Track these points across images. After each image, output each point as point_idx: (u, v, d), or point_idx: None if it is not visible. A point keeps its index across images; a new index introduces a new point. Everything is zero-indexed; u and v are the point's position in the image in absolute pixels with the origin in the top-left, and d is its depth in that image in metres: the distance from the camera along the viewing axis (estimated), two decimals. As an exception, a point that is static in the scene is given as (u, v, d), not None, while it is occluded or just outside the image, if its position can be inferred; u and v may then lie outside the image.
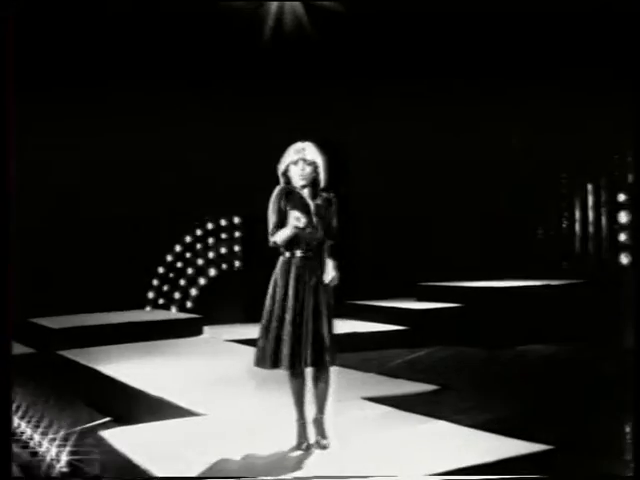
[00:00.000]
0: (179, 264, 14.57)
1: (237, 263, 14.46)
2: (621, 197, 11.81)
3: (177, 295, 14.44)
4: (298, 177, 5.35)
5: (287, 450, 5.38)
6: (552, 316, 11.90)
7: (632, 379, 6.43)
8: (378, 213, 14.06)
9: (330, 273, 5.33)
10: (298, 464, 5.15)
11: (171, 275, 14.53)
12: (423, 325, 11.92)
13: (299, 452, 5.34)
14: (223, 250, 14.50)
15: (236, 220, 14.46)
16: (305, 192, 5.38)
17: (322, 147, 5.41)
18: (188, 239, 14.62)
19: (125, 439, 5.81)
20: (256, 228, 13.86)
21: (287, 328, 5.22)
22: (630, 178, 13.08)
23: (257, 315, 11.93)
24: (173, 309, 14.21)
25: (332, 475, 4.90)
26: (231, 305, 13.50)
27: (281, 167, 5.42)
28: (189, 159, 13.23)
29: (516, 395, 8.06)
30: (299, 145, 5.39)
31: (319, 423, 5.40)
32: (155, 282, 14.46)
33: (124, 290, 13.20)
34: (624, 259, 11.36)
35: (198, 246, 14.63)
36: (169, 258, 14.56)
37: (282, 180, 5.42)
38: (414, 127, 13.61)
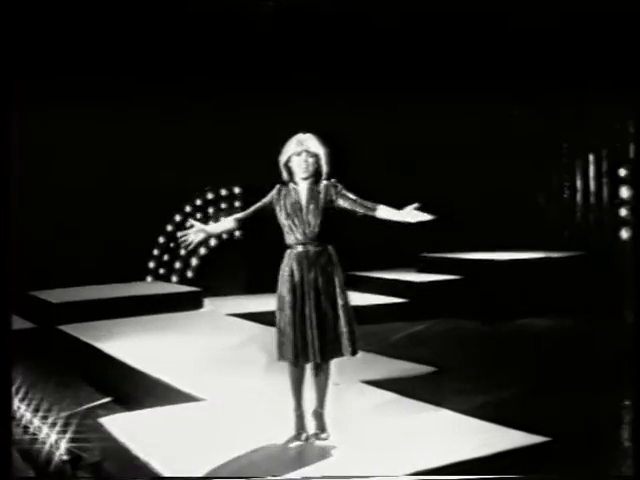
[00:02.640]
0: (179, 234, 14.50)
1: (237, 233, 14.43)
2: (622, 172, 11.73)
3: (178, 265, 14.44)
4: (300, 169, 5.30)
5: (285, 441, 5.37)
6: (553, 289, 11.91)
7: (632, 366, 6.44)
8: (377, 184, 13.99)
9: (410, 213, 5.22)
10: (296, 457, 5.16)
11: (171, 245, 14.50)
12: (423, 298, 11.93)
13: (298, 443, 5.34)
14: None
15: (236, 190, 14.43)
16: (306, 185, 5.33)
17: (324, 139, 5.36)
18: (188, 209, 14.58)
19: (124, 426, 5.80)
20: (256, 198, 13.81)
21: (288, 322, 5.22)
22: (631, 150, 13.04)
23: (257, 287, 11.98)
24: (174, 279, 14.24)
25: (332, 475, 4.91)
26: (232, 276, 13.50)
27: (283, 158, 5.36)
28: (190, 132, 13.20)
29: (515, 374, 8.08)
30: (301, 136, 5.34)
31: (318, 417, 5.40)
32: (156, 252, 14.45)
33: (125, 260, 13.19)
34: (624, 234, 11.32)
35: (198, 216, 14.57)
36: (169, 228, 14.53)
37: (284, 172, 5.37)
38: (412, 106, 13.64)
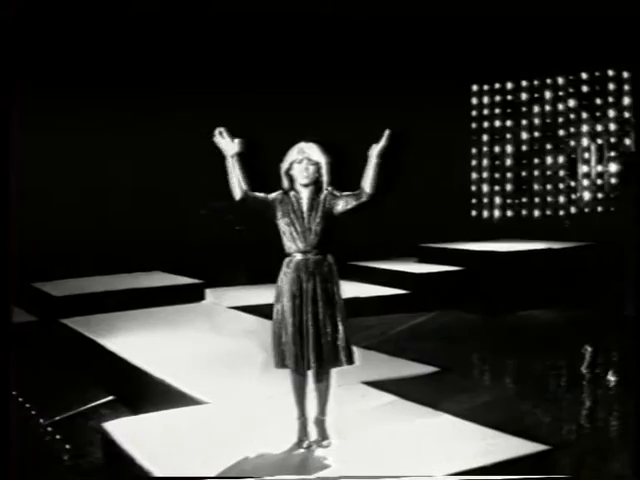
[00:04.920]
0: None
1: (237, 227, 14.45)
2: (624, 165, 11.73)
3: (180, 254, 14.41)
4: (302, 175, 5.32)
5: (288, 448, 5.39)
6: (554, 280, 11.93)
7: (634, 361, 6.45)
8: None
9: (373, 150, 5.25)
10: (297, 465, 5.18)
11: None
12: (424, 289, 11.93)
13: (300, 450, 5.37)
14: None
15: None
16: (307, 193, 5.34)
17: (325, 148, 5.37)
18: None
19: (126, 431, 5.80)
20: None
21: (289, 330, 5.24)
22: (631, 137, 13.06)
23: (258, 277, 11.97)
24: (176, 268, 14.22)
25: (333, 475, 4.94)
26: (232, 266, 13.50)
27: (284, 165, 5.37)
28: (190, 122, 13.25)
29: (516, 371, 8.11)
30: (303, 145, 5.36)
31: (320, 424, 5.43)
32: (159, 241, 14.42)
33: (127, 249, 13.22)
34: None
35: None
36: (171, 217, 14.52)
37: (285, 179, 5.37)
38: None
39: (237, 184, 5.23)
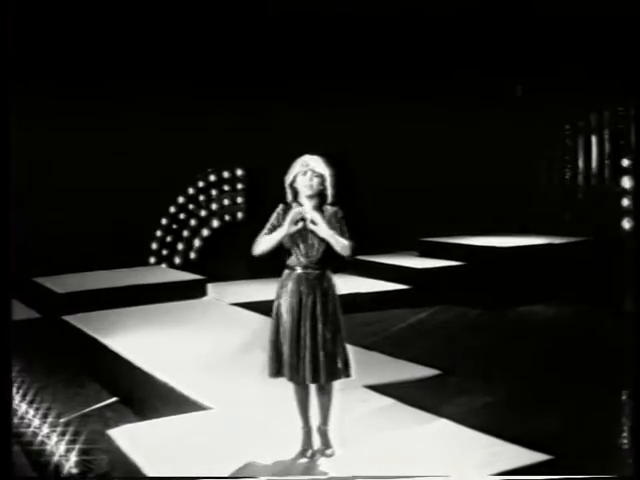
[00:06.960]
0: (182, 215, 14.62)
1: (240, 215, 14.48)
2: (625, 162, 11.74)
3: (180, 246, 14.50)
4: (306, 188, 5.33)
5: (291, 457, 5.43)
6: (554, 276, 11.95)
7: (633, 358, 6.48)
8: (380, 168, 14.04)
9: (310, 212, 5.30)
10: (301, 472, 5.24)
11: (174, 226, 14.58)
12: (425, 284, 11.96)
13: (302, 460, 5.41)
14: (226, 202, 14.51)
15: (239, 172, 14.44)
16: (309, 205, 5.36)
17: (329, 160, 5.40)
18: (191, 191, 14.63)
19: (131, 438, 5.85)
20: (259, 180, 13.91)
21: (287, 343, 5.26)
22: (633, 132, 13.05)
23: (261, 272, 12.02)
24: (177, 260, 14.32)
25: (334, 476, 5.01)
26: (235, 260, 13.51)
27: (288, 178, 5.39)
28: (192, 114, 13.27)
29: (517, 371, 8.13)
30: (307, 158, 5.37)
31: (323, 433, 5.47)
32: (158, 233, 14.52)
33: (128, 242, 13.25)
34: (626, 224, 11.34)
35: (201, 198, 14.64)
36: (172, 209, 14.59)
37: (289, 192, 5.40)
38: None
39: (269, 248, 5.29)
